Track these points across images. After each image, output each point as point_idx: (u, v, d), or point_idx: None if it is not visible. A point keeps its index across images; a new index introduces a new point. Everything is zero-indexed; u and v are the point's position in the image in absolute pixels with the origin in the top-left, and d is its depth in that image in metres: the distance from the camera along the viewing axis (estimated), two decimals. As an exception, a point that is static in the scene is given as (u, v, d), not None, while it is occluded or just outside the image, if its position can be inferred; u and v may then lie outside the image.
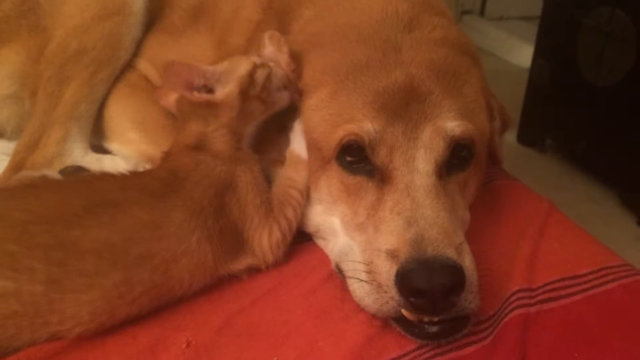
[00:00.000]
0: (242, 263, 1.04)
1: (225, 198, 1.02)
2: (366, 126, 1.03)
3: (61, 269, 0.88)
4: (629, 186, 2.47)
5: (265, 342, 0.94)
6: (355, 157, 1.05)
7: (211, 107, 1.08)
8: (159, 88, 1.23)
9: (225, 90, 1.08)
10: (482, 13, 4.57)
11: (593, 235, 1.22)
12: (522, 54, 3.74)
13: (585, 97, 2.61)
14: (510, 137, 3.03)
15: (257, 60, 1.11)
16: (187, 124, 1.10)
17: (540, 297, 1.02)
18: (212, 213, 1.00)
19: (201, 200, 1.00)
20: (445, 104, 1.06)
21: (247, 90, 1.09)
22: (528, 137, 3.01)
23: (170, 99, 1.17)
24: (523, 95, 3.00)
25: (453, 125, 1.04)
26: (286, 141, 1.16)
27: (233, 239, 1.03)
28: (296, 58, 1.16)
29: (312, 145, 1.12)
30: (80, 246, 0.90)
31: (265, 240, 1.04)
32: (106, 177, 1.05)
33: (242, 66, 1.10)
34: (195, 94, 1.07)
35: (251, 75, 1.09)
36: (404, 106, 1.04)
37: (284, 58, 1.12)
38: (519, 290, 1.03)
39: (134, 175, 1.08)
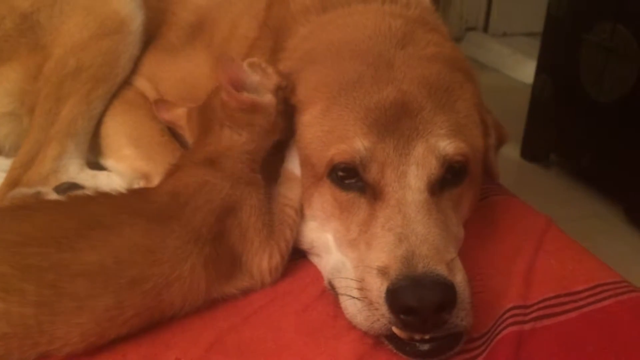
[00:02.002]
0: (237, 286, 1.03)
1: (226, 223, 1.01)
2: (357, 145, 1.02)
3: (52, 291, 0.87)
4: (634, 201, 2.45)
5: (256, 360, 0.93)
6: (347, 174, 1.05)
7: (250, 112, 1.07)
8: (161, 101, 1.24)
9: (267, 98, 1.08)
10: (485, 29, 4.58)
11: (597, 251, 1.21)
12: (526, 70, 3.74)
13: (588, 113, 2.61)
14: (514, 152, 3.03)
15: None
16: (215, 135, 1.09)
17: (534, 314, 1.00)
18: (210, 240, 0.98)
19: (200, 227, 0.98)
20: (437, 120, 1.05)
21: (279, 103, 1.10)
22: (532, 152, 3.00)
23: (177, 112, 1.18)
24: (527, 111, 3.00)
25: (445, 144, 1.04)
26: (281, 159, 1.16)
27: (230, 263, 1.02)
28: (290, 75, 1.17)
29: (305, 162, 1.12)
30: (71, 269, 0.89)
31: (265, 263, 1.03)
32: (100, 199, 1.04)
33: (273, 78, 1.10)
34: (245, 94, 1.06)
35: (279, 88, 1.10)
36: (396, 122, 1.03)
37: (272, 78, 1.11)
38: (513, 307, 1.01)
39: (131, 196, 1.07)
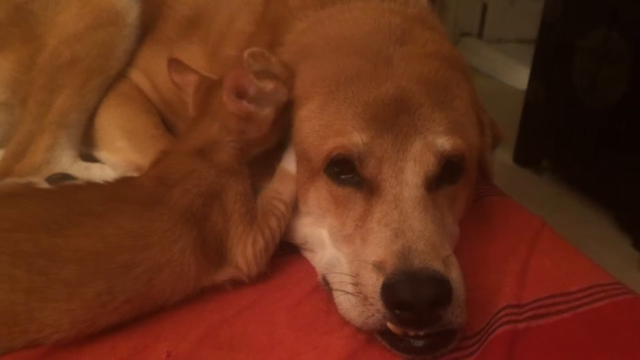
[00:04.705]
0: (225, 274, 1.03)
1: (213, 207, 1.01)
2: (355, 139, 1.02)
3: (43, 277, 0.87)
4: (625, 208, 2.47)
5: (247, 355, 0.92)
6: (344, 169, 1.04)
7: (246, 120, 1.07)
8: (176, 61, 1.21)
9: (265, 112, 1.07)
10: (480, 35, 4.62)
11: (588, 256, 1.21)
12: (519, 76, 3.77)
13: (580, 119, 2.63)
14: (507, 157, 3.05)
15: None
16: (206, 124, 1.08)
17: (528, 314, 1.00)
18: (197, 223, 0.99)
19: (188, 209, 0.99)
20: (436, 117, 1.05)
21: (278, 119, 1.09)
22: (524, 157, 3.02)
23: (189, 77, 1.16)
24: (520, 116, 3.01)
25: (443, 141, 1.03)
26: (277, 158, 1.15)
27: (217, 249, 1.01)
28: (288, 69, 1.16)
29: (302, 156, 1.11)
30: (62, 255, 0.89)
31: (249, 249, 1.03)
32: (90, 187, 1.04)
33: (282, 94, 1.09)
34: (245, 103, 1.06)
35: (285, 105, 1.10)
36: (394, 118, 1.03)
37: (276, 69, 1.11)
38: (508, 306, 1.01)
39: (119, 183, 1.06)
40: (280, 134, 1.13)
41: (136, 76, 1.47)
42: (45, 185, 1.25)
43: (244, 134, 1.07)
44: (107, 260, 0.90)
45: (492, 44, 4.47)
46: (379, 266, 0.92)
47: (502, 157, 3.01)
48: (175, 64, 1.20)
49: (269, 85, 1.07)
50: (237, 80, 1.04)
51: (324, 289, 1.04)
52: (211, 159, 1.05)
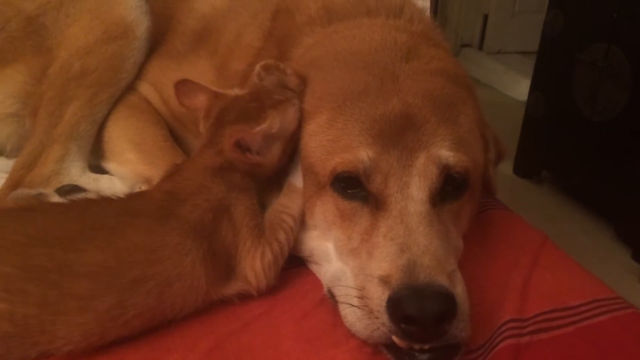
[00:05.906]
0: (234, 287, 1.04)
1: (222, 222, 1.03)
2: (361, 155, 1.03)
3: (55, 291, 0.88)
4: (624, 219, 2.49)
5: (254, 366, 0.94)
6: (350, 183, 1.06)
7: (254, 165, 1.08)
8: (185, 82, 1.18)
9: (272, 154, 1.09)
10: (480, 47, 4.65)
11: (587, 268, 1.22)
12: (519, 87, 3.79)
13: (580, 131, 2.65)
14: (507, 168, 3.06)
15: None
16: (212, 154, 1.09)
17: (531, 328, 1.02)
18: (207, 237, 1.00)
19: (198, 223, 1.00)
20: (440, 133, 1.07)
21: (287, 147, 1.10)
22: (524, 169, 3.04)
23: (198, 100, 1.16)
24: (520, 128, 3.03)
25: (448, 155, 1.05)
26: (284, 170, 1.16)
27: (226, 263, 1.03)
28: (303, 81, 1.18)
29: (309, 170, 1.13)
30: (75, 269, 0.90)
31: (257, 262, 1.04)
32: (102, 201, 1.06)
33: (291, 121, 1.10)
34: (248, 155, 1.06)
35: (296, 130, 1.10)
36: (400, 134, 1.05)
37: (291, 81, 1.12)
38: (510, 320, 1.02)
39: (130, 198, 1.08)
40: (289, 155, 1.14)
41: (145, 89, 1.49)
42: (55, 196, 1.26)
43: (255, 174, 1.09)
44: (119, 275, 0.92)
45: (492, 55, 4.50)
46: (384, 280, 0.94)
47: (502, 168, 3.02)
48: (182, 86, 1.17)
49: (275, 126, 1.07)
50: (238, 139, 1.05)
51: (330, 301, 1.06)
52: (221, 176, 1.07)
